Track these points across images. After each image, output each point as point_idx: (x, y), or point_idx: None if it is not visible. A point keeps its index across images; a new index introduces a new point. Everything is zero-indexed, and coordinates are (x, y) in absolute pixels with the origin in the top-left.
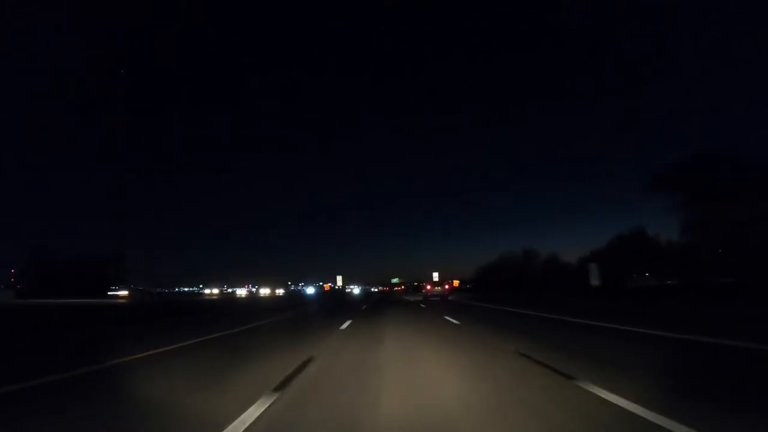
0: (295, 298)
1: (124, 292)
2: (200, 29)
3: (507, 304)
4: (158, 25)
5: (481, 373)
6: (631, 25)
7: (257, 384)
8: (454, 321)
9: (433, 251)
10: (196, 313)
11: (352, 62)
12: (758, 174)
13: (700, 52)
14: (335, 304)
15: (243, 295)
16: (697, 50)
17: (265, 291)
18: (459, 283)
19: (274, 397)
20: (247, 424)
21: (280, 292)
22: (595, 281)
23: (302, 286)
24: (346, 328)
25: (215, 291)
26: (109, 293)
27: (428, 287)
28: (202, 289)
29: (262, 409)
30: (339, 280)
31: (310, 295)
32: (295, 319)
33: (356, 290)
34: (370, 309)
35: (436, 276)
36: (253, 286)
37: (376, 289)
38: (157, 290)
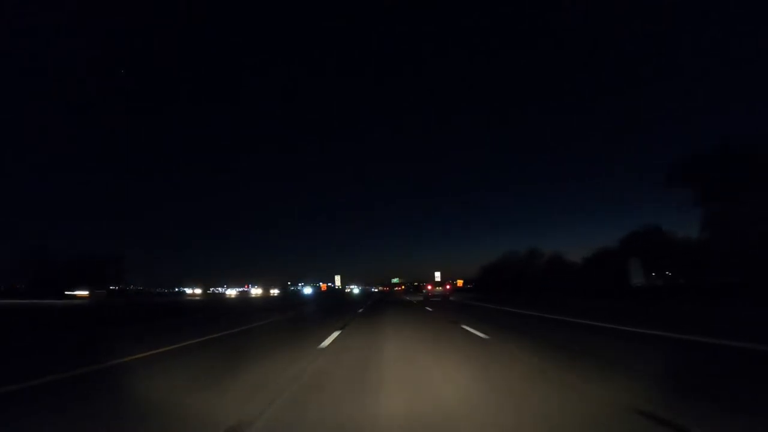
0: (289, 299)
1: (84, 292)
2: (200, 29)
3: (507, 304)
4: (158, 25)
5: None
6: (631, 25)
7: None
8: (478, 333)
9: (433, 251)
10: (155, 318)
11: (352, 62)
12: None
13: (700, 52)
14: (331, 306)
15: (232, 296)
16: (697, 50)
17: (257, 291)
18: (463, 283)
19: None
20: None
21: (274, 292)
22: (638, 280)
23: (301, 286)
24: (328, 345)
25: (197, 291)
26: (66, 293)
27: (429, 287)
28: (181, 289)
29: None
30: (337, 280)
31: (306, 296)
32: (268, 329)
33: (356, 290)
34: (369, 310)
35: (438, 276)
36: (252, 286)
37: (376, 289)
38: (130, 289)
